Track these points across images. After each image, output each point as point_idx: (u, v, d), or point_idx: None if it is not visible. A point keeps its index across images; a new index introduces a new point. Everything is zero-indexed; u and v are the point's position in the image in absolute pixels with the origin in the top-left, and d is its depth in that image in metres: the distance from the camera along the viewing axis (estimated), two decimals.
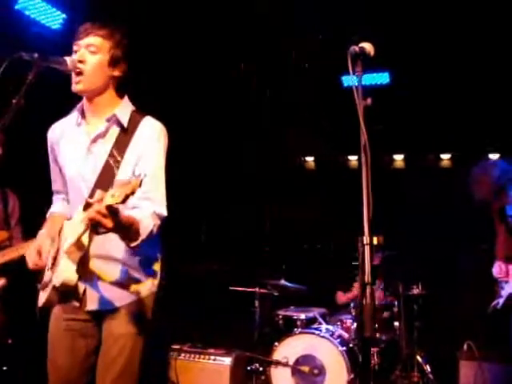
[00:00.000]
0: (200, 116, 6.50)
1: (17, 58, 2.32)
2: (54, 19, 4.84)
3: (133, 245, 2.36)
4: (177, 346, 4.89)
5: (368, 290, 1.83)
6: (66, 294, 2.47)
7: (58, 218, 2.70)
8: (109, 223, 2.12)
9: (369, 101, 2.13)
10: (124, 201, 2.06)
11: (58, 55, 2.51)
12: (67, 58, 2.50)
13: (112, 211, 2.11)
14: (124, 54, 2.59)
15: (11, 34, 4.68)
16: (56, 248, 2.52)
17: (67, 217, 2.67)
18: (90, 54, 2.51)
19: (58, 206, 2.82)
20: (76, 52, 2.53)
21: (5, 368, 4.71)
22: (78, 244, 2.37)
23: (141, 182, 2.06)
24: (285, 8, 5.23)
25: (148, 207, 2.42)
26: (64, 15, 4.84)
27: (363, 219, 1.94)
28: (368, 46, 2.27)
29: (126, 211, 2.28)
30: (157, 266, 2.69)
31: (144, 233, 2.36)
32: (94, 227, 2.23)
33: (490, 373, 4.60)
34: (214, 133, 6.79)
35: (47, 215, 2.83)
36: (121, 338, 2.53)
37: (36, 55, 2.38)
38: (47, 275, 2.54)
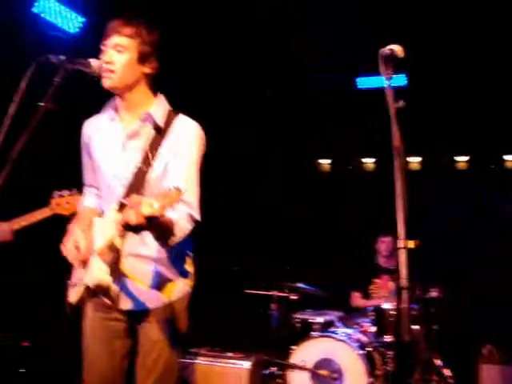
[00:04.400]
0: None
1: (43, 60, 2.33)
2: (72, 23, 4.83)
3: (166, 245, 2.42)
4: (195, 350, 4.86)
5: (404, 294, 1.81)
6: (99, 293, 2.47)
7: (90, 213, 2.71)
8: (142, 229, 2.21)
9: (401, 103, 2.11)
10: (162, 213, 2.09)
11: (84, 57, 2.49)
12: (91, 60, 2.48)
13: (148, 219, 2.13)
14: (153, 50, 2.56)
15: (29, 38, 4.68)
16: (87, 245, 2.51)
17: (98, 212, 2.70)
18: (118, 54, 2.50)
19: (89, 201, 2.80)
20: (103, 52, 2.53)
21: (22, 370, 4.72)
22: (111, 245, 2.38)
23: (179, 194, 2.09)
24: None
25: (183, 209, 2.41)
26: (83, 19, 4.82)
27: (398, 222, 1.92)
28: (398, 48, 2.25)
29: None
30: (189, 266, 2.69)
31: (179, 235, 2.38)
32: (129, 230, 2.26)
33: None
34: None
35: (78, 209, 2.84)
36: (159, 343, 2.55)
37: (63, 57, 2.38)
38: (79, 272, 2.53)
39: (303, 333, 5.14)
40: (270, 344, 5.13)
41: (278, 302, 5.23)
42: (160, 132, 2.54)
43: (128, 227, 2.23)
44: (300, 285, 5.28)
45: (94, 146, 2.67)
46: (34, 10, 4.78)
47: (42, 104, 2.30)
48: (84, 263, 2.48)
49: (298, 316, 5.35)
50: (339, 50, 5.79)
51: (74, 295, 2.55)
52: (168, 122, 2.56)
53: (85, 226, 2.57)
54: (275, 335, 5.18)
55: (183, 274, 2.64)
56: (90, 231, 2.53)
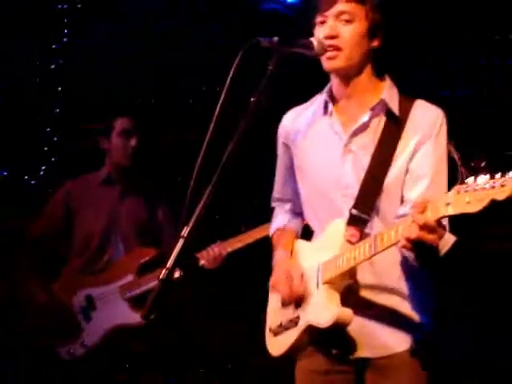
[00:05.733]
0: None
1: (253, 45, 1.89)
2: None
3: (425, 265, 1.91)
4: None
5: None
6: (327, 337, 2.02)
7: (288, 236, 2.32)
8: (434, 240, 1.67)
9: None
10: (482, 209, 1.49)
11: (299, 35, 2.02)
12: (313, 39, 2.00)
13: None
14: (384, 19, 2.06)
15: (239, 16, 4.39)
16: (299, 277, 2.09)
17: (295, 232, 2.34)
18: (343, 25, 2.02)
19: (283, 219, 2.40)
20: (322, 24, 2.05)
21: None
22: (345, 271, 1.93)
23: None
24: None
25: None
26: None
27: None
28: None
29: None
30: (433, 296, 2.14)
31: (443, 249, 1.84)
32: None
33: None
34: None
35: (272, 231, 2.42)
36: None
37: (276, 40, 1.91)
38: (283, 314, 2.13)
39: None
40: None
41: None
42: (396, 122, 2.05)
43: (419, 246, 1.69)
44: None
45: (300, 146, 2.23)
46: None
47: (253, 99, 1.87)
48: (299, 300, 2.07)
49: None
50: None
51: (278, 344, 2.15)
52: (404, 111, 2.06)
53: (288, 254, 2.22)
54: None
55: (428, 307, 2.11)
56: (295, 259, 2.19)
